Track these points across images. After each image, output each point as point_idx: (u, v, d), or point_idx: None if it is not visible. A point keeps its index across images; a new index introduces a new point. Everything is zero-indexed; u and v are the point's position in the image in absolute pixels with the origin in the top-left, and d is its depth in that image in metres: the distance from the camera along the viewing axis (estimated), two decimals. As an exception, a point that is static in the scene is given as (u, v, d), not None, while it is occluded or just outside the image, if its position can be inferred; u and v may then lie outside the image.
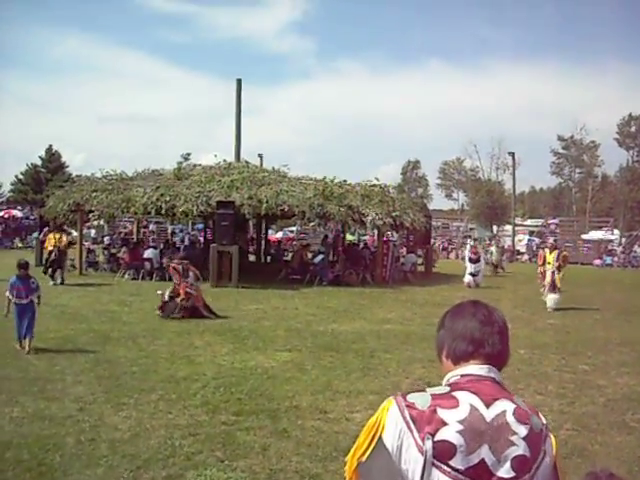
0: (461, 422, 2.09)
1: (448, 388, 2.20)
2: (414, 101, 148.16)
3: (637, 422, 8.43)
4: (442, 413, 2.10)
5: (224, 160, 30.94)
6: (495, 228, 70.14)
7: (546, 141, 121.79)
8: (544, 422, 2.24)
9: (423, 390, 2.20)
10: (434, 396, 2.15)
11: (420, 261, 33.03)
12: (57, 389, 9.07)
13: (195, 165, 31.83)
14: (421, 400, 2.14)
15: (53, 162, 71.93)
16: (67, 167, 73.36)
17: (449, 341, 2.35)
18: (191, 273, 16.44)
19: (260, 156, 50.16)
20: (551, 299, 19.44)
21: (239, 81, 37.73)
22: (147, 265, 25.66)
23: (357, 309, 18.70)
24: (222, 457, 6.68)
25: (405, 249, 33.68)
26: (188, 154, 66.73)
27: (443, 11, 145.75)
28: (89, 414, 7.94)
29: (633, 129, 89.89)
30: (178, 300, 15.90)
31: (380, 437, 2.14)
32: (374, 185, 28.27)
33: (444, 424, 2.09)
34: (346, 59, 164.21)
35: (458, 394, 2.16)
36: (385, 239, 30.30)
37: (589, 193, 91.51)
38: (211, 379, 9.89)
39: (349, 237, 42.27)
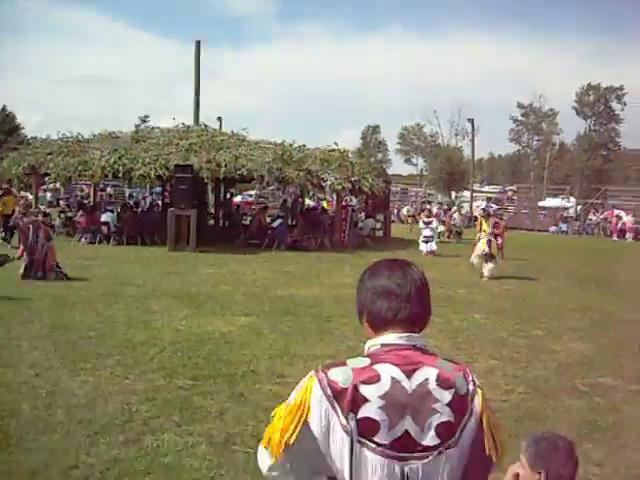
0: (382, 397, 2.11)
1: (369, 360, 2.19)
2: (376, 66, 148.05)
3: (587, 386, 8.63)
4: (363, 389, 2.11)
5: (183, 123, 30.63)
6: (453, 194, 70.59)
7: (505, 108, 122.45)
8: (471, 380, 2.23)
9: (344, 364, 2.19)
10: (355, 371, 2.15)
11: (379, 225, 33.25)
12: (13, 355, 8.99)
13: (153, 128, 31.49)
14: (343, 376, 2.14)
15: (7, 123, 70.43)
16: (22, 129, 71.91)
17: (367, 306, 2.33)
18: (41, 232, 15.89)
19: (219, 119, 49.74)
20: (487, 269, 18.94)
21: (198, 43, 37.14)
22: (104, 229, 25.42)
23: (315, 274, 18.77)
24: (179, 422, 6.71)
25: (364, 214, 33.79)
26: (146, 117, 66.20)
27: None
28: (45, 380, 7.89)
29: (591, 98, 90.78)
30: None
31: (306, 420, 2.15)
32: (333, 150, 28.28)
33: (366, 401, 2.10)
34: (308, 23, 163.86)
35: (379, 367, 2.15)
36: (344, 204, 30.38)
37: (547, 161, 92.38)
38: (168, 344, 9.88)
39: (307, 201, 42.23)
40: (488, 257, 19.08)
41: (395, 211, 49.56)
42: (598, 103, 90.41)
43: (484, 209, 23.37)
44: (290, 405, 2.22)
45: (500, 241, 20.12)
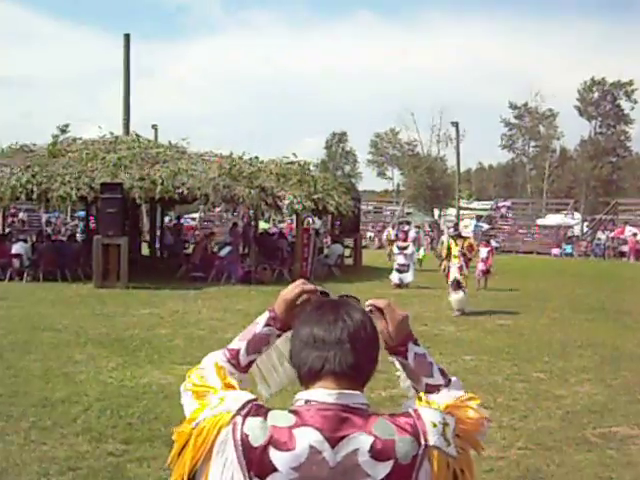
0: (296, 469, 2.01)
1: (294, 419, 2.08)
2: (340, 61, 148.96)
3: (599, 437, 8.68)
4: (274, 455, 2.01)
5: (110, 133, 30.49)
6: (437, 212, 70.99)
7: (496, 109, 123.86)
8: (423, 443, 2.06)
9: (265, 415, 2.10)
10: (272, 429, 2.05)
11: (348, 252, 33.32)
12: None
13: (75, 139, 31.29)
14: (256, 432, 2.04)
15: None
16: None
17: (295, 356, 2.27)
18: None
19: (154, 128, 49.72)
20: (455, 300, 18.44)
21: (127, 36, 37.25)
22: (16, 262, 25.13)
23: (272, 311, 18.64)
24: (109, 495, 6.64)
25: (330, 238, 33.85)
26: (66, 126, 65.21)
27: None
28: (-57, 448, 7.77)
29: (596, 96, 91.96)
30: None
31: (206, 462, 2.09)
32: (292, 162, 28.40)
33: (275, 470, 2.00)
34: (259, 9, 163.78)
35: (298, 432, 2.04)
36: (305, 227, 30.44)
37: (546, 170, 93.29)
38: (95, 401, 9.76)
39: (262, 225, 42.31)
40: (455, 285, 18.59)
41: (372, 234, 49.87)
42: (604, 101, 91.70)
43: (454, 227, 23.10)
44: (200, 428, 2.14)
45: (483, 268, 20.09)
